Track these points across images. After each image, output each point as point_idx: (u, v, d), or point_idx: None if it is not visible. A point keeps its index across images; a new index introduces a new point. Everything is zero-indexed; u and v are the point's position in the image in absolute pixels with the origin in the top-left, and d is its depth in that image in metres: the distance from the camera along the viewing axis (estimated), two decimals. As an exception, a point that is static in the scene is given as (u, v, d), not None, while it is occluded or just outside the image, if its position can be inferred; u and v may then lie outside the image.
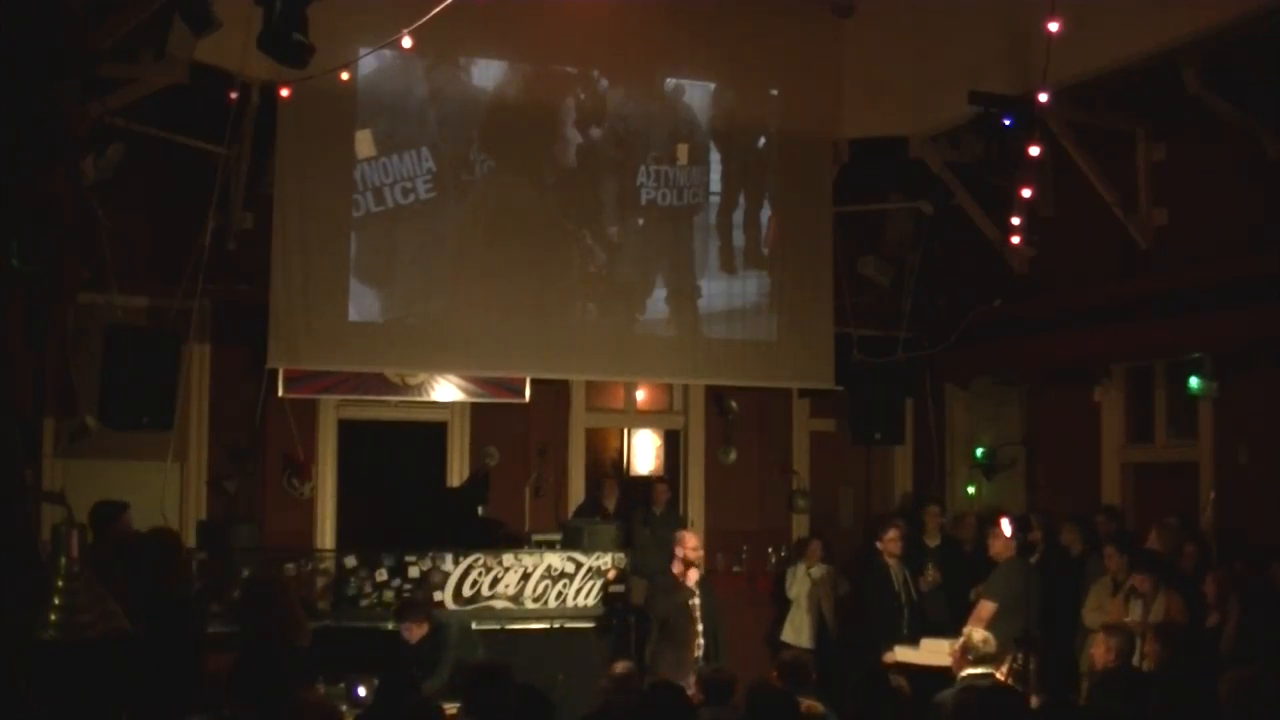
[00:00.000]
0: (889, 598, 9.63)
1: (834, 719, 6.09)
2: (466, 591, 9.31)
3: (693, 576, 8.76)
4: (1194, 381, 9.37)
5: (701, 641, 8.74)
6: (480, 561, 9.36)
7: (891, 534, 9.75)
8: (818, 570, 10.95)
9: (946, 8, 10.12)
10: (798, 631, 10.86)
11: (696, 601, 8.76)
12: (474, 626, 8.86)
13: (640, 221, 10.78)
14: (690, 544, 8.90)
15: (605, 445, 12.29)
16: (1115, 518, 9.72)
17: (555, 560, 9.53)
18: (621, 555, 9.74)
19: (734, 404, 11.76)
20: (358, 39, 9.23)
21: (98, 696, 4.65)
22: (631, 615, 9.35)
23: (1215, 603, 7.71)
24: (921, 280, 11.61)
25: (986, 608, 8.56)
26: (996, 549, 9.00)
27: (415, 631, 8.19)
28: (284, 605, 5.91)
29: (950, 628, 8.59)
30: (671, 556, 8.84)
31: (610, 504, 10.83)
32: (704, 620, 8.77)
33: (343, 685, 7.51)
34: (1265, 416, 9.03)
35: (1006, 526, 8.96)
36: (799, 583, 10.94)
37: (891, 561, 9.73)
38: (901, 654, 9.00)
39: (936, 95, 10.16)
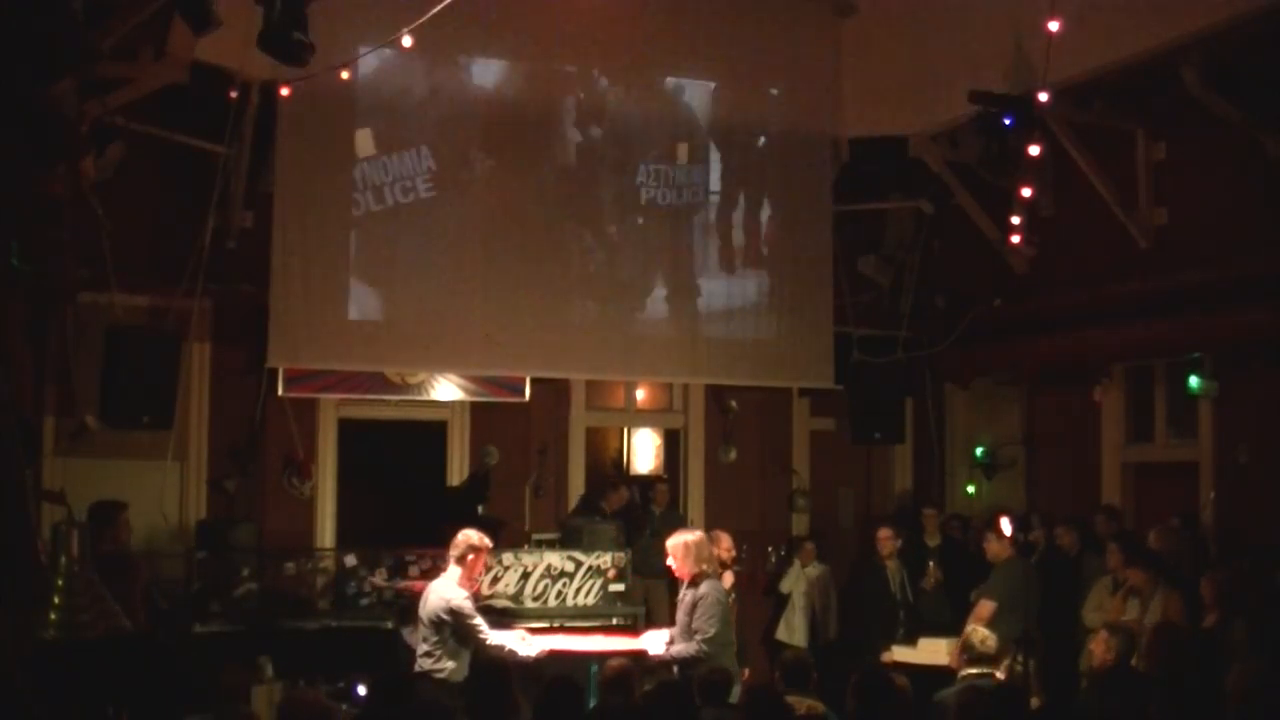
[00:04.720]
0: (886, 598, 9.63)
1: (834, 719, 6.09)
2: (466, 591, 9.30)
3: (728, 579, 8.77)
4: (1194, 381, 9.38)
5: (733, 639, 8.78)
6: (480, 561, 9.35)
7: (883, 533, 9.80)
8: (814, 569, 10.95)
9: (946, 8, 10.11)
10: (792, 631, 10.87)
11: (731, 601, 8.80)
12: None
13: (640, 220, 10.76)
14: (725, 544, 8.93)
15: (605, 445, 12.29)
16: (1115, 518, 9.72)
17: (555, 560, 9.53)
18: (622, 555, 9.74)
19: (734, 404, 11.76)
20: (358, 38, 9.23)
21: (98, 696, 4.65)
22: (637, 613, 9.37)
23: (1212, 603, 7.70)
24: (921, 280, 11.60)
25: (985, 607, 8.57)
26: (993, 550, 9.01)
27: (414, 637, 8.17)
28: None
29: (951, 628, 8.59)
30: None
31: (608, 509, 10.69)
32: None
33: (343, 685, 7.51)
34: (1265, 416, 9.04)
35: (1007, 526, 8.96)
36: (794, 581, 10.95)
37: (890, 563, 9.73)
38: (899, 654, 9.00)
39: (936, 95, 10.15)
